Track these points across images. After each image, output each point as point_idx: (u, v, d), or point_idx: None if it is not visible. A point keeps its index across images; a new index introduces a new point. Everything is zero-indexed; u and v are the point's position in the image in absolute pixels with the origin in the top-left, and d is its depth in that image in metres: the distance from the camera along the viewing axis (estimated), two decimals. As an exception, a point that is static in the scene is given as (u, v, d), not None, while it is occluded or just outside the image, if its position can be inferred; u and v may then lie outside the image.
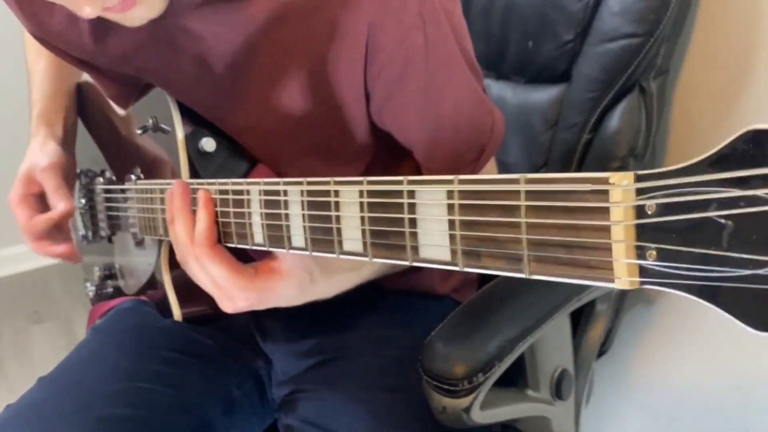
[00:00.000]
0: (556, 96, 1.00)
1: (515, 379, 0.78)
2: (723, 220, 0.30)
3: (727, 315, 0.30)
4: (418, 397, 0.72)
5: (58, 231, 0.93)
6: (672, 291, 0.32)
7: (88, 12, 0.55)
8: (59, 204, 0.89)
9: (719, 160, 0.30)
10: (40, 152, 0.90)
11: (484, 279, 0.83)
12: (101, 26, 0.64)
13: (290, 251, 0.58)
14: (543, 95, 1.02)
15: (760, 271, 0.29)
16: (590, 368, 0.93)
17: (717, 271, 0.30)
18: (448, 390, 0.67)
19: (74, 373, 0.84)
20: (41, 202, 0.91)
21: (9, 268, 2.41)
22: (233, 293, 0.64)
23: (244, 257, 0.85)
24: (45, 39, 0.81)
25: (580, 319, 0.90)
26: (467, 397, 0.67)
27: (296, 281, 0.66)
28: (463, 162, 0.73)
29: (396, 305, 0.89)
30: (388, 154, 0.78)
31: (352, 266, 0.72)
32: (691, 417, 1.10)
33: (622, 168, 0.93)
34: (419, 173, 0.79)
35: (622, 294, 0.96)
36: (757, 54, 0.94)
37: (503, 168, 1.06)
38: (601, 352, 0.99)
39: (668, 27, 0.88)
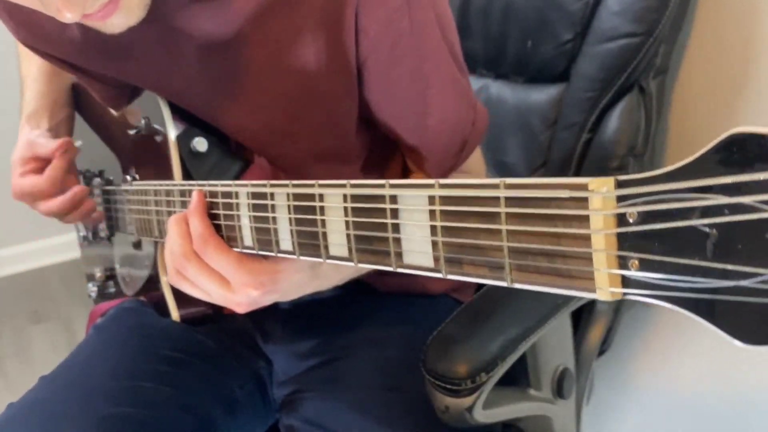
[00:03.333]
0: (556, 95, 1.00)
1: (517, 378, 0.78)
2: (707, 229, 0.28)
3: (711, 326, 0.29)
4: (418, 397, 0.72)
5: (66, 182, 0.89)
6: (656, 302, 0.31)
7: (68, 17, 0.54)
8: (54, 144, 0.86)
9: (702, 166, 0.29)
10: (28, 135, 0.89)
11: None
12: (91, 32, 0.63)
13: (278, 255, 0.58)
14: (542, 95, 1.02)
15: (744, 283, 0.27)
16: (591, 367, 0.94)
17: (701, 282, 0.29)
18: (451, 389, 0.67)
19: (76, 372, 0.84)
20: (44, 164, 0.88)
21: (9, 268, 2.41)
22: (245, 280, 0.62)
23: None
24: (37, 47, 0.81)
25: (580, 319, 0.91)
26: (470, 397, 0.67)
27: (306, 261, 0.62)
28: (448, 154, 0.74)
29: (395, 305, 0.89)
30: (381, 153, 0.78)
31: None
32: (691, 416, 1.11)
33: (621, 167, 0.93)
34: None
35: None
36: (756, 53, 0.94)
37: (503, 168, 1.06)
38: (601, 352, 1.00)
39: (667, 26, 0.89)
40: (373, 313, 0.88)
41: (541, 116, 1.02)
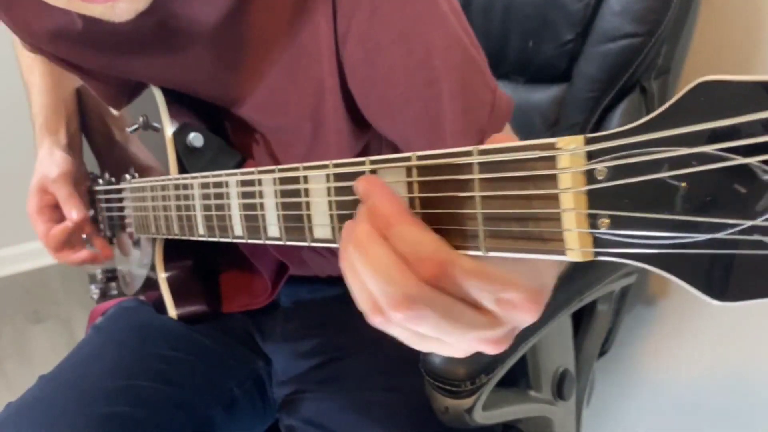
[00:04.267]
0: (557, 96, 1.00)
1: (517, 379, 0.78)
2: (676, 182, 0.28)
3: (685, 285, 0.28)
4: (418, 397, 0.72)
5: (78, 237, 0.95)
6: (628, 261, 0.30)
7: None
8: (72, 212, 0.90)
9: (671, 117, 0.28)
10: (49, 162, 0.91)
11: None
12: (93, 28, 0.63)
13: (266, 242, 0.56)
14: (543, 95, 1.02)
15: (717, 235, 0.26)
16: (591, 369, 0.94)
17: (672, 238, 0.28)
18: (450, 391, 0.67)
19: (75, 371, 0.84)
20: (58, 212, 0.93)
21: (9, 268, 2.41)
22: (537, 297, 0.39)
23: (245, 264, 0.86)
24: (37, 46, 0.81)
25: (581, 320, 0.90)
26: (470, 398, 0.67)
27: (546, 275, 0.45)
28: (466, 142, 0.66)
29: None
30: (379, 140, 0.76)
31: None
32: (692, 417, 1.10)
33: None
34: None
35: (623, 295, 0.96)
36: (758, 53, 0.94)
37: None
38: (602, 353, 0.99)
39: (669, 27, 0.88)
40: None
41: (542, 116, 1.02)
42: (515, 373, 0.74)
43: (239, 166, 0.76)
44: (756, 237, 0.25)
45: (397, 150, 0.75)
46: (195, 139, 0.75)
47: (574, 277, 0.80)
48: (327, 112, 0.70)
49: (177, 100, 0.79)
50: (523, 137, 1.12)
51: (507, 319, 0.39)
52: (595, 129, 0.96)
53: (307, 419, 0.80)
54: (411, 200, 0.40)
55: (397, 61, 0.63)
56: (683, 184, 0.27)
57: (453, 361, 0.67)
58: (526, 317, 0.38)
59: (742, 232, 0.26)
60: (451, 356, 0.43)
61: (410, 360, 0.73)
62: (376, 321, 0.41)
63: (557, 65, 0.98)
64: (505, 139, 0.36)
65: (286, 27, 0.67)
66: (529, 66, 1.02)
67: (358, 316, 0.82)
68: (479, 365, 0.67)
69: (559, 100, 1.00)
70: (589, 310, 0.91)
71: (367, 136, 0.75)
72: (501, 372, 0.69)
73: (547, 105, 1.01)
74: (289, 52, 0.68)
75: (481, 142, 0.66)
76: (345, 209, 0.46)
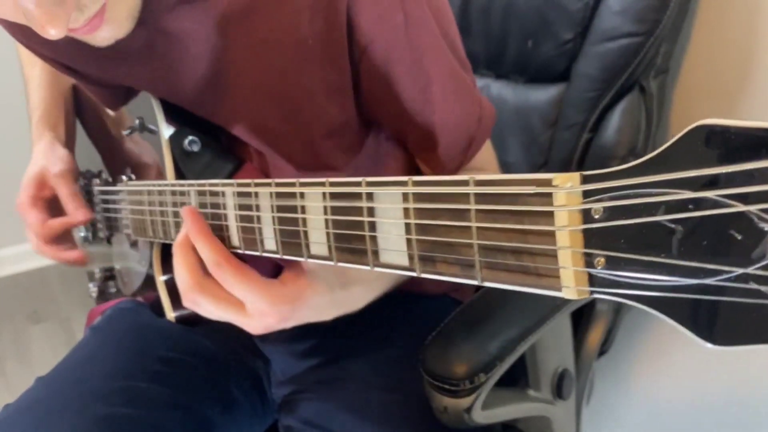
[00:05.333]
0: (556, 95, 1.00)
1: (516, 379, 0.78)
2: (672, 225, 0.28)
3: (679, 327, 0.28)
4: (418, 397, 0.71)
5: (65, 236, 0.93)
6: (624, 301, 0.30)
7: (53, 34, 0.52)
8: (78, 211, 0.88)
9: (669, 159, 0.28)
10: (52, 156, 0.89)
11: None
12: (83, 43, 0.63)
13: (264, 254, 0.57)
14: (543, 95, 1.02)
15: (710, 281, 0.27)
16: (591, 368, 0.93)
17: (667, 281, 0.28)
18: (449, 390, 0.67)
19: (73, 372, 0.84)
20: (51, 206, 0.90)
21: (9, 268, 2.41)
22: (263, 309, 0.59)
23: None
24: (33, 48, 0.81)
25: (580, 319, 0.90)
26: (468, 397, 0.67)
27: (326, 286, 0.61)
28: (455, 151, 0.72)
29: (395, 305, 0.89)
30: (376, 149, 0.78)
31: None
32: (691, 417, 1.10)
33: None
34: (409, 166, 0.79)
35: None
36: (757, 53, 0.94)
37: (504, 168, 1.06)
38: (602, 352, 0.99)
39: (668, 26, 0.88)
40: (373, 314, 0.88)
41: (542, 116, 1.02)
42: (514, 373, 0.74)
43: (236, 170, 0.76)
44: (751, 285, 0.25)
45: (390, 152, 0.77)
46: (191, 143, 0.75)
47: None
48: (317, 139, 0.72)
49: (173, 104, 0.78)
50: (523, 137, 1.12)
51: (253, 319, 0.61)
52: (595, 128, 0.96)
53: (306, 419, 0.80)
54: (407, 226, 0.41)
55: (404, 88, 0.68)
56: (679, 227, 0.27)
57: (452, 361, 0.67)
58: (256, 324, 0.62)
59: (736, 278, 0.26)
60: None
61: (409, 360, 0.73)
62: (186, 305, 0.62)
63: (557, 65, 0.98)
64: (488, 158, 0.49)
65: (273, 55, 0.67)
66: (528, 66, 1.02)
67: (357, 316, 0.82)
68: (478, 364, 0.67)
69: (559, 100, 1.00)
70: (589, 310, 0.91)
71: (357, 157, 0.76)
72: (500, 371, 0.69)
73: (546, 104, 1.01)
74: (276, 80, 0.68)
75: (470, 148, 0.72)
76: (341, 229, 0.46)
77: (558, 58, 0.98)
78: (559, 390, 0.80)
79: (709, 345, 0.27)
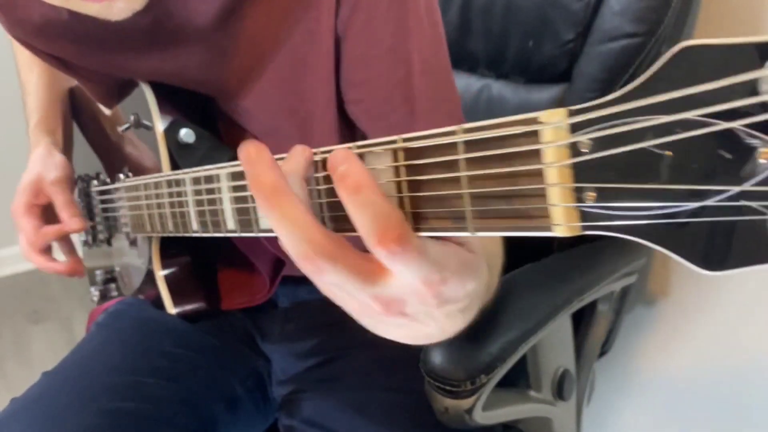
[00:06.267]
0: (557, 96, 1.00)
1: (517, 379, 0.78)
2: (661, 150, 0.27)
3: (674, 255, 0.28)
4: (418, 397, 0.71)
5: (64, 242, 0.93)
6: (617, 234, 0.30)
7: None
8: (73, 220, 0.87)
9: (654, 84, 0.27)
10: (49, 163, 0.89)
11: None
12: (80, 22, 0.62)
13: (259, 234, 0.55)
14: (543, 95, 1.02)
15: (704, 203, 0.26)
16: (591, 369, 0.93)
17: (660, 208, 0.28)
18: (450, 391, 0.67)
19: (78, 367, 0.84)
20: (46, 214, 0.90)
21: (9, 268, 2.41)
22: (445, 278, 0.39)
23: (242, 261, 0.86)
24: (29, 43, 0.81)
25: (581, 320, 0.90)
26: (470, 398, 0.67)
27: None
28: None
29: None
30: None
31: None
32: (692, 417, 1.10)
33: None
34: None
35: (623, 295, 0.95)
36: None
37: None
38: (602, 353, 0.99)
39: (669, 26, 0.88)
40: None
41: (542, 116, 1.02)
42: (515, 374, 0.74)
43: (231, 161, 0.76)
44: (743, 203, 0.25)
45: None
46: (186, 135, 0.75)
47: (574, 277, 0.80)
48: (316, 117, 0.71)
49: (167, 96, 0.78)
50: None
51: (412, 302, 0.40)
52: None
53: (306, 419, 0.80)
54: (398, 185, 0.40)
55: (381, 74, 0.67)
56: (668, 153, 0.27)
57: (453, 361, 0.67)
58: (429, 298, 0.39)
59: (728, 198, 0.25)
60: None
61: (410, 360, 0.73)
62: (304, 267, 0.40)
63: (557, 65, 0.98)
64: None
65: (280, 34, 0.67)
66: (529, 66, 1.02)
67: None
68: (479, 365, 0.67)
69: (560, 100, 1.00)
70: (590, 311, 0.91)
71: (353, 138, 0.75)
72: (501, 372, 0.68)
73: (547, 105, 1.01)
74: (282, 59, 0.68)
75: None
76: (333, 197, 0.46)
77: (559, 59, 0.98)
78: (559, 391, 0.80)
79: (705, 272, 0.27)
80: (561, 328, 0.80)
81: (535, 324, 0.71)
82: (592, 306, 0.90)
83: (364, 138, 0.73)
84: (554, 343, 0.80)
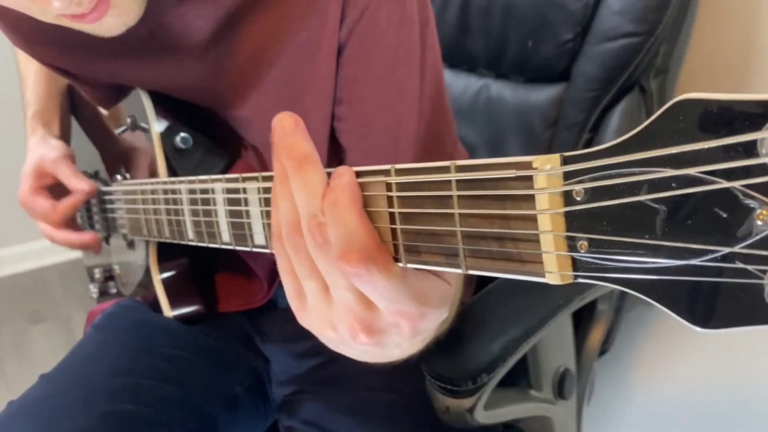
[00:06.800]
0: (556, 95, 1.00)
1: (518, 379, 0.78)
2: (655, 205, 0.27)
3: (666, 310, 0.27)
4: (418, 397, 0.72)
5: (74, 222, 0.92)
6: (608, 285, 0.29)
7: (56, 6, 0.52)
8: (81, 184, 0.87)
9: (650, 137, 0.27)
10: (45, 146, 0.89)
11: (482, 279, 0.83)
12: (76, 33, 0.62)
13: (253, 249, 0.56)
14: (542, 94, 1.02)
15: (695, 261, 0.25)
16: (592, 368, 0.94)
17: (652, 263, 0.27)
18: (451, 390, 0.67)
19: (76, 369, 0.84)
20: (55, 193, 0.89)
21: (9, 268, 2.41)
22: (405, 311, 0.39)
23: (240, 264, 0.86)
24: (26, 50, 0.81)
25: (581, 319, 0.91)
26: (471, 398, 0.67)
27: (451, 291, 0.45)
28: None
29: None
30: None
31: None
32: (692, 417, 1.10)
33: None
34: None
35: (623, 294, 0.96)
36: (756, 53, 0.94)
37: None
38: (602, 352, 1.00)
39: (668, 26, 0.88)
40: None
41: (542, 116, 1.02)
42: (516, 373, 0.74)
43: (228, 166, 0.76)
44: (737, 264, 0.25)
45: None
46: (183, 140, 0.75)
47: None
48: (311, 128, 0.71)
49: (164, 101, 0.78)
50: (523, 137, 1.12)
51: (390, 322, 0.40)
52: (595, 128, 0.96)
53: (306, 420, 0.80)
54: (391, 215, 0.40)
55: (367, 96, 0.68)
56: (663, 207, 0.26)
57: (455, 361, 0.67)
58: (406, 330, 0.40)
59: (723, 258, 0.25)
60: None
61: (411, 360, 0.73)
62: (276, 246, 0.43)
63: (556, 65, 0.98)
64: None
65: (278, 44, 0.67)
66: (528, 65, 1.02)
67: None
68: (480, 364, 0.67)
69: (559, 100, 1.00)
70: (590, 310, 0.91)
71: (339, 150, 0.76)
72: (502, 371, 0.69)
73: (546, 104, 1.01)
74: (279, 69, 0.68)
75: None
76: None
77: (558, 58, 0.98)
78: (560, 390, 0.80)
79: (697, 329, 0.26)
80: (561, 327, 0.80)
81: (535, 323, 0.71)
82: (592, 305, 0.90)
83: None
84: (555, 342, 0.80)
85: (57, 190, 0.89)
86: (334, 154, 0.75)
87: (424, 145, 0.71)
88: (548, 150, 1.02)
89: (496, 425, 0.75)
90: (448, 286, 0.42)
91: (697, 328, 0.26)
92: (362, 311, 0.40)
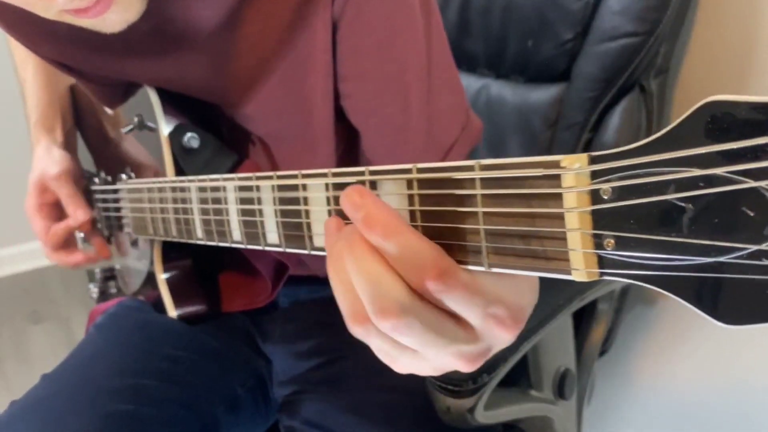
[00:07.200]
0: (556, 95, 1.00)
1: (518, 379, 0.78)
2: (682, 203, 0.27)
3: (691, 307, 0.28)
4: (419, 397, 0.72)
5: (73, 238, 0.94)
6: (633, 282, 0.30)
7: (60, 2, 0.52)
8: (77, 212, 0.89)
9: (677, 137, 0.27)
10: (48, 160, 0.90)
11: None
12: (81, 30, 0.62)
13: (266, 248, 0.56)
14: (543, 94, 1.02)
15: (722, 259, 0.26)
16: (592, 368, 0.94)
17: (678, 260, 0.28)
18: (452, 390, 0.67)
19: (78, 369, 0.84)
20: (56, 210, 0.92)
21: (9, 268, 2.41)
22: (507, 317, 0.38)
23: (244, 263, 0.86)
24: (30, 48, 0.81)
25: (582, 319, 0.91)
26: (471, 398, 0.67)
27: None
28: (426, 158, 0.71)
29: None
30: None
31: None
32: (692, 416, 1.10)
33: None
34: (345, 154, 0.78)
35: (623, 294, 0.96)
36: (757, 53, 0.94)
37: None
38: (602, 352, 1.00)
39: (668, 26, 0.89)
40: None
41: (542, 116, 1.02)
42: (517, 373, 0.74)
43: (236, 166, 0.76)
44: (764, 262, 0.25)
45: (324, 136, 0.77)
46: (191, 139, 0.75)
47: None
48: (315, 112, 0.71)
49: (172, 100, 0.78)
50: (523, 137, 1.12)
51: (487, 336, 0.39)
52: (595, 128, 0.96)
53: (307, 420, 0.80)
54: (412, 213, 0.40)
55: (370, 69, 0.67)
56: (690, 206, 0.27)
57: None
58: (507, 336, 0.39)
59: (749, 256, 0.25)
60: (422, 374, 0.43)
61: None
62: (357, 330, 0.41)
63: (557, 65, 0.98)
64: None
65: (282, 35, 0.67)
66: (528, 65, 1.02)
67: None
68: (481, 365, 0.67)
69: (559, 100, 1.00)
70: (590, 310, 0.91)
71: (348, 131, 0.76)
72: (503, 372, 0.69)
73: (546, 104, 1.01)
74: (284, 61, 0.68)
75: (443, 160, 0.68)
76: (345, 219, 0.46)
77: (558, 58, 0.98)
78: (560, 390, 0.80)
79: (721, 324, 0.27)
80: (562, 327, 0.80)
81: (536, 323, 0.71)
82: (592, 305, 0.90)
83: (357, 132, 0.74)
84: (555, 342, 0.80)
85: (60, 206, 0.91)
86: (343, 138, 0.75)
87: (437, 114, 0.70)
88: (548, 150, 1.02)
89: (496, 425, 0.75)
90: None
91: (721, 324, 0.27)
92: (464, 346, 0.39)
